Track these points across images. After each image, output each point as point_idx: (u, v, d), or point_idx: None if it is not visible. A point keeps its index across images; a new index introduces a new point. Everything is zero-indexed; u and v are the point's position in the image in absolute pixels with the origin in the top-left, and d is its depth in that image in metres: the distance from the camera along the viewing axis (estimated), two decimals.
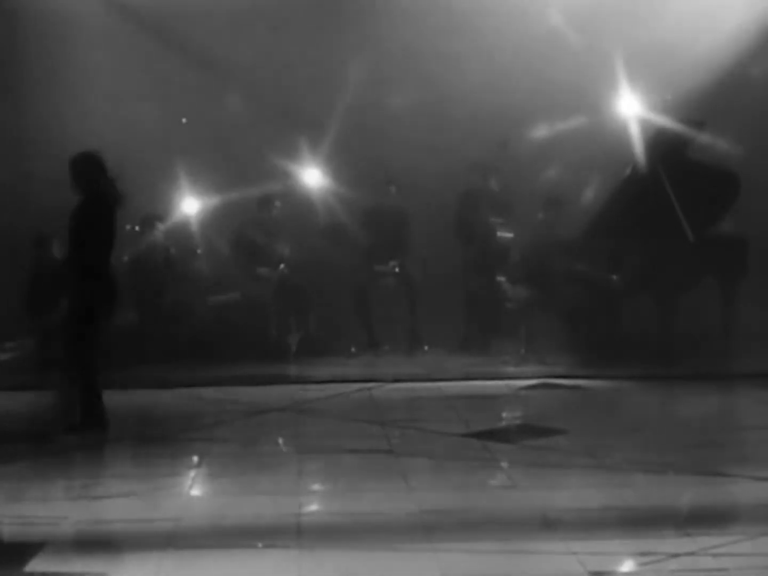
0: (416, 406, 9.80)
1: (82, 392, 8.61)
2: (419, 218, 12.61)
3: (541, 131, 12.59)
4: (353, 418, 9.21)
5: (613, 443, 8.20)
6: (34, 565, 5.71)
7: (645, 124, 12.06)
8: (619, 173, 12.01)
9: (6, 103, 12.88)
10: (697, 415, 9.32)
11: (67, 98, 12.74)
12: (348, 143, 12.73)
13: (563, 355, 11.42)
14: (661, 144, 11.62)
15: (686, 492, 6.99)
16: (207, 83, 13.04)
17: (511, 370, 11.20)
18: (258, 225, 12.48)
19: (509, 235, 12.46)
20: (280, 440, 8.83)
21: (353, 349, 12.20)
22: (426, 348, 12.30)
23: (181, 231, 12.35)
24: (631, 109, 12.43)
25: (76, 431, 8.52)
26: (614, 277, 11.74)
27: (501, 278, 12.27)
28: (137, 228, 12.03)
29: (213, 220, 12.39)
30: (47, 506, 6.85)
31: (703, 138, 11.80)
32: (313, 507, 6.91)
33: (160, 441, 8.67)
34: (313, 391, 10.29)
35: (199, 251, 12.34)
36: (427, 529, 6.20)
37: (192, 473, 7.78)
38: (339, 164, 12.91)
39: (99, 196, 8.72)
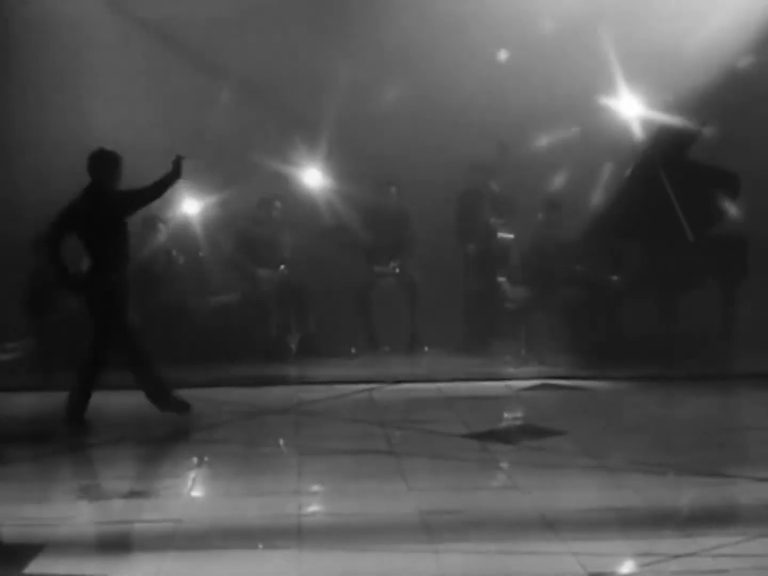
0: (416, 407, 9.80)
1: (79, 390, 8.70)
2: (420, 219, 12.60)
3: (541, 132, 12.57)
4: (353, 419, 9.21)
5: (614, 444, 8.21)
6: (34, 566, 5.70)
7: (645, 125, 12.07)
8: (619, 174, 12.02)
9: (3, 106, 12.87)
10: (697, 415, 9.31)
11: (67, 101, 12.73)
12: (348, 144, 12.72)
13: (563, 356, 11.42)
14: (662, 145, 11.63)
15: (686, 493, 6.99)
16: (206, 84, 13.02)
17: (511, 370, 11.20)
18: (258, 226, 12.48)
19: (509, 235, 12.46)
20: (281, 441, 8.82)
21: (353, 350, 12.20)
22: (426, 349, 12.29)
23: (183, 232, 12.34)
24: (632, 109, 12.43)
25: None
26: (614, 277, 11.74)
27: (501, 279, 12.27)
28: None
29: (214, 221, 12.38)
30: (47, 507, 6.85)
31: (704, 138, 11.80)
32: (314, 508, 6.91)
33: (160, 442, 8.67)
34: (313, 392, 10.28)
35: (201, 253, 12.33)
36: (428, 529, 6.20)
37: (192, 474, 7.78)
38: (339, 165, 12.90)
39: (118, 192, 8.85)
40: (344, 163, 12.80)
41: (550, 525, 6.22)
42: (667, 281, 11.48)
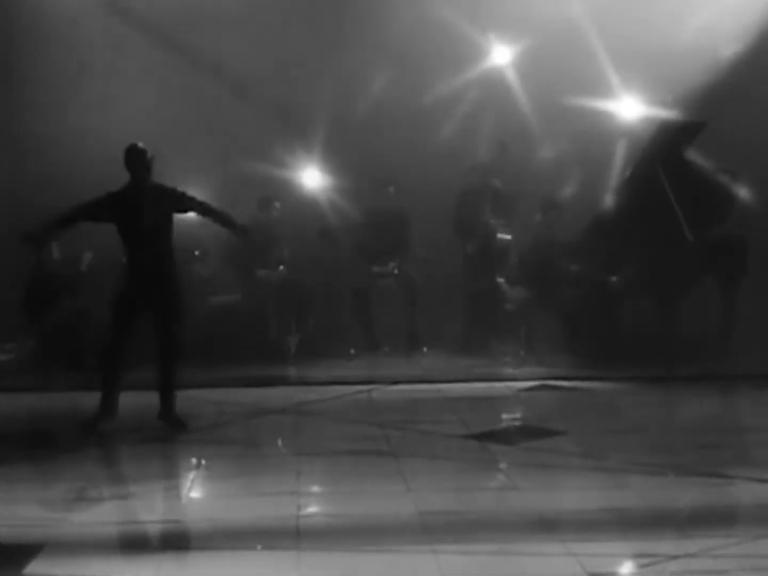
0: (416, 408, 9.80)
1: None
2: (418, 219, 12.60)
3: (540, 132, 12.57)
4: (353, 420, 9.21)
5: (613, 444, 8.20)
6: (33, 567, 5.70)
7: (645, 125, 12.07)
8: (618, 174, 12.01)
9: (3, 104, 12.87)
10: (696, 416, 9.32)
11: (66, 99, 12.73)
12: (347, 144, 12.72)
13: (563, 357, 11.43)
14: (661, 144, 11.63)
15: (686, 493, 6.99)
16: (205, 85, 13.02)
17: (510, 371, 11.21)
18: (258, 226, 12.47)
19: (509, 236, 12.46)
20: (280, 442, 8.83)
21: (353, 351, 12.20)
22: (425, 349, 12.30)
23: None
24: (631, 109, 12.44)
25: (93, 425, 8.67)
26: (613, 278, 11.74)
27: (500, 279, 12.27)
28: None
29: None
30: (46, 508, 6.84)
31: (703, 138, 11.80)
32: (313, 508, 6.90)
33: (160, 442, 8.67)
34: (312, 393, 10.28)
35: (197, 252, 12.32)
36: (427, 530, 6.20)
37: (191, 474, 7.77)
38: (338, 165, 12.91)
39: (148, 189, 8.87)
40: (343, 163, 12.80)
41: (549, 525, 6.22)
42: (667, 281, 11.48)
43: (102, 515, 6.71)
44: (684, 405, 9.86)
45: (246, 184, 12.33)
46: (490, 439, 8.34)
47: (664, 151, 11.61)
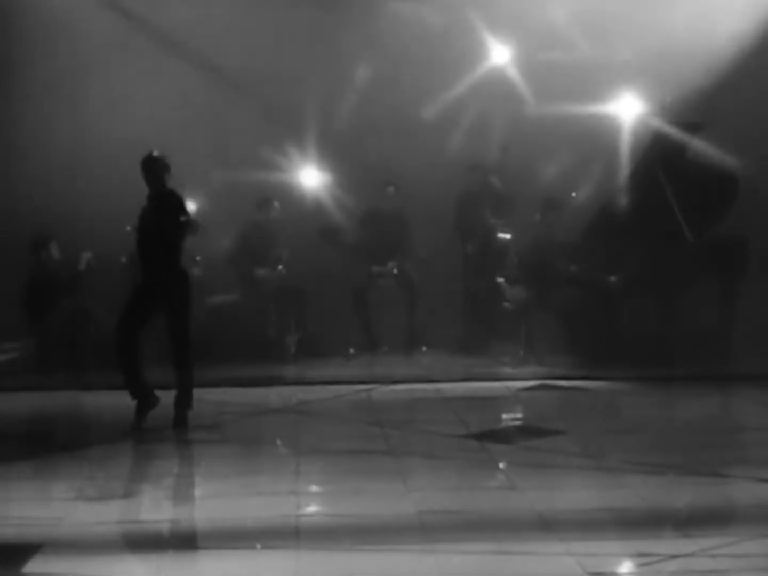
0: (415, 408, 9.80)
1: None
2: (418, 219, 12.60)
3: (540, 132, 12.56)
4: (352, 420, 9.21)
5: (612, 444, 8.20)
6: (32, 566, 5.69)
7: (644, 126, 12.07)
8: (618, 175, 12.01)
9: (3, 108, 12.87)
10: (696, 416, 9.32)
11: (64, 100, 12.73)
12: (347, 144, 12.72)
13: (562, 357, 11.42)
14: (661, 146, 11.63)
15: (685, 493, 6.99)
16: (205, 85, 13.02)
17: (509, 371, 11.21)
18: (256, 226, 12.48)
19: (508, 236, 12.46)
20: (279, 441, 8.83)
21: (352, 351, 12.19)
22: (425, 349, 12.30)
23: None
24: (631, 111, 12.44)
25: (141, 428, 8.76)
26: (613, 278, 11.74)
27: (500, 279, 12.27)
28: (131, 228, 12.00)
29: (211, 221, 12.36)
30: (45, 507, 6.84)
31: (702, 140, 11.81)
32: (312, 508, 6.91)
33: (159, 442, 8.67)
34: (311, 392, 10.29)
35: (198, 258, 12.30)
36: (426, 530, 6.20)
37: (191, 474, 7.77)
38: (337, 165, 12.91)
39: (166, 196, 8.91)
40: (342, 163, 12.81)
41: (548, 525, 6.21)
42: (667, 281, 11.48)
43: (101, 515, 6.71)
44: (684, 405, 9.86)
45: (245, 184, 12.32)
46: (489, 438, 8.34)
47: (663, 151, 11.61)
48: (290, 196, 12.79)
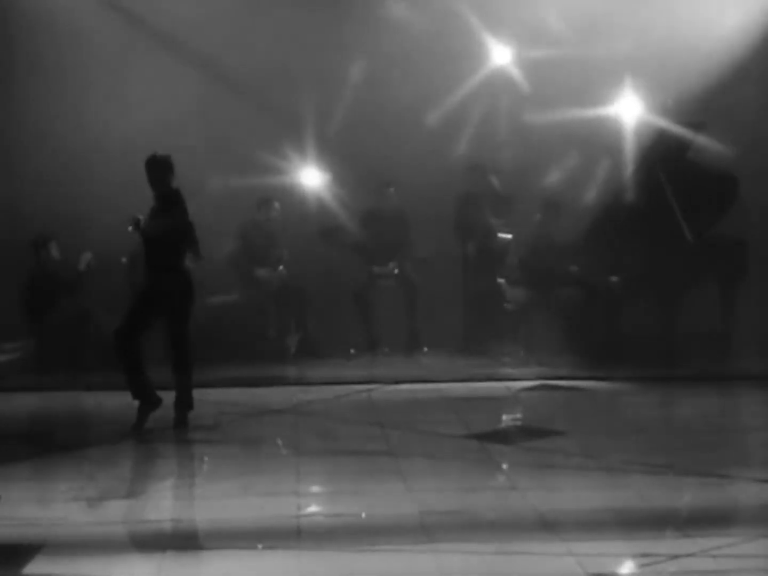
0: (415, 408, 9.79)
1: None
2: (418, 220, 12.60)
3: (540, 133, 12.56)
4: (352, 420, 9.20)
5: (613, 444, 8.20)
6: (32, 567, 5.70)
7: (645, 127, 12.07)
8: (618, 175, 12.01)
9: (3, 108, 12.87)
10: (696, 416, 9.31)
11: (64, 99, 12.72)
12: (347, 145, 12.72)
13: (562, 357, 11.41)
14: (661, 146, 11.63)
15: (686, 493, 6.99)
16: (204, 84, 13.01)
17: (510, 371, 11.20)
18: (257, 226, 12.48)
19: (508, 236, 12.46)
20: (280, 442, 8.82)
21: (352, 351, 12.19)
22: (425, 349, 12.29)
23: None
24: (632, 111, 12.44)
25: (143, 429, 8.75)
26: (613, 278, 11.74)
27: (500, 280, 12.27)
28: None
29: (211, 221, 12.37)
30: (45, 507, 6.84)
31: (703, 140, 11.81)
32: (313, 508, 6.91)
33: (160, 442, 8.67)
34: (312, 393, 10.28)
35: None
36: (427, 530, 6.20)
37: (191, 474, 7.77)
38: (338, 166, 12.91)
39: (172, 196, 8.93)
40: (342, 163, 12.80)
41: (549, 525, 6.22)
42: (667, 282, 11.48)
43: (101, 515, 6.71)
44: (683, 405, 9.87)
45: (245, 184, 12.31)
46: (490, 439, 8.34)
47: (664, 152, 11.61)
48: (290, 197, 12.78)
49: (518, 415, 9.73)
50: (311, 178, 13.03)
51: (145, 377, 8.89)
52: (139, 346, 8.89)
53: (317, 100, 12.81)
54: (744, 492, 6.91)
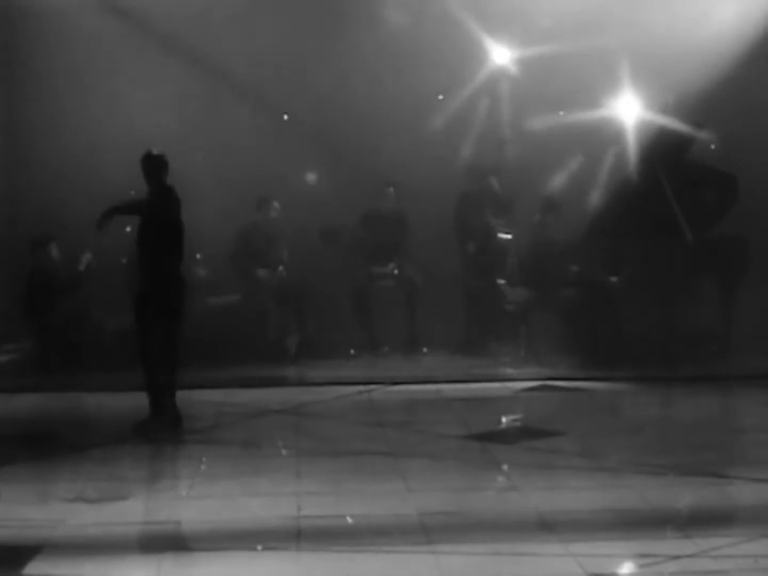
0: (415, 408, 9.80)
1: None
2: (418, 220, 12.59)
3: (540, 132, 12.56)
4: (352, 421, 9.20)
5: (613, 445, 8.20)
6: (32, 567, 5.70)
7: (645, 126, 12.07)
8: (618, 175, 12.01)
9: (3, 108, 12.87)
10: (696, 416, 9.32)
11: (64, 99, 12.73)
12: (346, 145, 12.72)
13: (563, 357, 11.41)
14: (661, 146, 11.63)
15: (686, 494, 6.99)
16: (204, 85, 13.01)
17: (510, 371, 11.20)
18: (256, 227, 12.48)
19: (508, 236, 12.45)
20: (280, 442, 8.82)
21: (352, 351, 12.19)
22: (425, 350, 12.29)
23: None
24: (632, 110, 12.43)
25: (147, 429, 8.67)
26: (613, 278, 11.74)
27: (501, 280, 12.27)
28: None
29: (212, 222, 12.37)
30: (45, 508, 6.84)
31: (703, 140, 11.81)
32: (313, 509, 6.89)
33: (159, 442, 8.66)
34: (312, 393, 10.27)
35: (198, 256, 12.30)
36: (427, 531, 6.20)
37: (191, 475, 7.77)
38: (337, 166, 12.91)
39: (165, 193, 8.94)
40: (343, 164, 12.80)
41: (549, 526, 6.22)
42: (667, 282, 11.48)
43: (101, 516, 6.71)
44: (683, 405, 9.86)
45: (245, 184, 12.32)
46: (490, 439, 8.34)
47: (663, 152, 11.60)
48: (290, 197, 12.78)
49: (518, 416, 9.72)
50: (311, 178, 13.02)
51: (167, 394, 8.85)
52: (157, 351, 8.85)
53: (317, 100, 12.81)
54: (744, 492, 6.91)
